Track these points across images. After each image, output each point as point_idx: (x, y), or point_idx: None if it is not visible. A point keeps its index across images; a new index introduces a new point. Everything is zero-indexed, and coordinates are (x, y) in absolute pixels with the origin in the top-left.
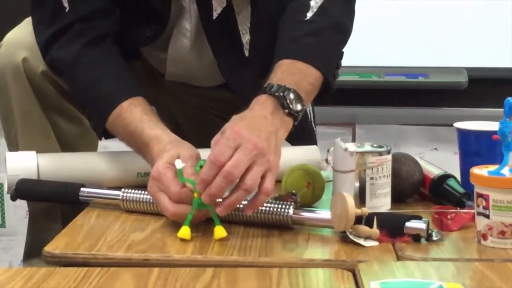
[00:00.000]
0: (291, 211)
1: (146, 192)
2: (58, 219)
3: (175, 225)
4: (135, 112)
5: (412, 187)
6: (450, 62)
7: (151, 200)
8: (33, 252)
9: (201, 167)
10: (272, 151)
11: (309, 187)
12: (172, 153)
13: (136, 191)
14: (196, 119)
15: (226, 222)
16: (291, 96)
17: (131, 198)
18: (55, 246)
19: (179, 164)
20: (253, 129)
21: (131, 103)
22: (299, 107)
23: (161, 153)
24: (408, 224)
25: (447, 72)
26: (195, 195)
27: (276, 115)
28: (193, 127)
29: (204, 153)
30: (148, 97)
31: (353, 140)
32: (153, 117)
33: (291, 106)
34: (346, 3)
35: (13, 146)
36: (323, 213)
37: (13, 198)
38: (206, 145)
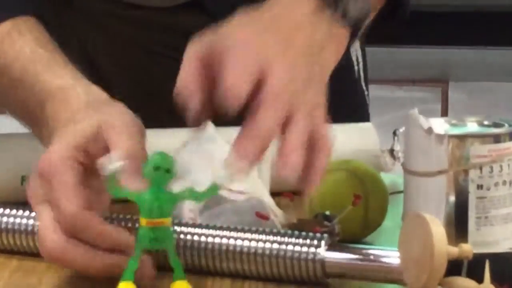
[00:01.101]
0: (322, 250)
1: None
2: None
3: (104, 278)
4: (23, 44)
5: None
6: None
7: None
8: None
9: (156, 168)
10: (317, 83)
11: (357, 204)
12: (88, 126)
13: (21, 212)
14: (141, 70)
15: (199, 272)
16: None
17: (10, 226)
18: None
19: (114, 162)
20: (281, 40)
21: (13, 26)
22: (359, 9)
23: (67, 124)
24: None
25: None
26: (143, 221)
27: (321, 19)
28: (136, 85)
29: (157, 138)
30: (50, 27)
31: (444, 113)
32: (56, 55)
33: (347, 6)
34: None
35: None
36: (385, 254)
37: None
38: (157, 120)
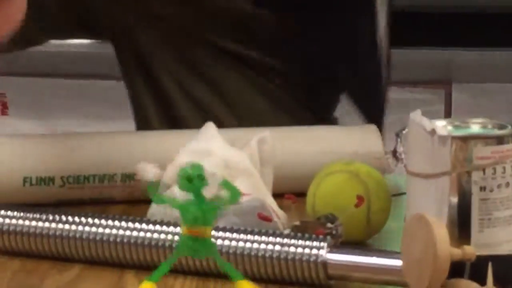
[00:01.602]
0: (325, 252)
1: (41, 215)
2: None
3: (113, 275)
4: None
5: None
6: None
7: (60, 228)
8: None
9: (188, 179)
10: None
11: (360, 206)
12: None
13: (23, 214)
14: (185, 56)
15: (201, 274)
16: None
17: (12, 228)
18: None
19: (150, 171)
20: None
21: None
22: None
23: None
24: None
25: None
26: (184, 229)
27: None
28: (181, 71)
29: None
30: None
31: (447, 114)
32: None
33: None
34: None
35: None
36: (387, 256)
37: None
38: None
